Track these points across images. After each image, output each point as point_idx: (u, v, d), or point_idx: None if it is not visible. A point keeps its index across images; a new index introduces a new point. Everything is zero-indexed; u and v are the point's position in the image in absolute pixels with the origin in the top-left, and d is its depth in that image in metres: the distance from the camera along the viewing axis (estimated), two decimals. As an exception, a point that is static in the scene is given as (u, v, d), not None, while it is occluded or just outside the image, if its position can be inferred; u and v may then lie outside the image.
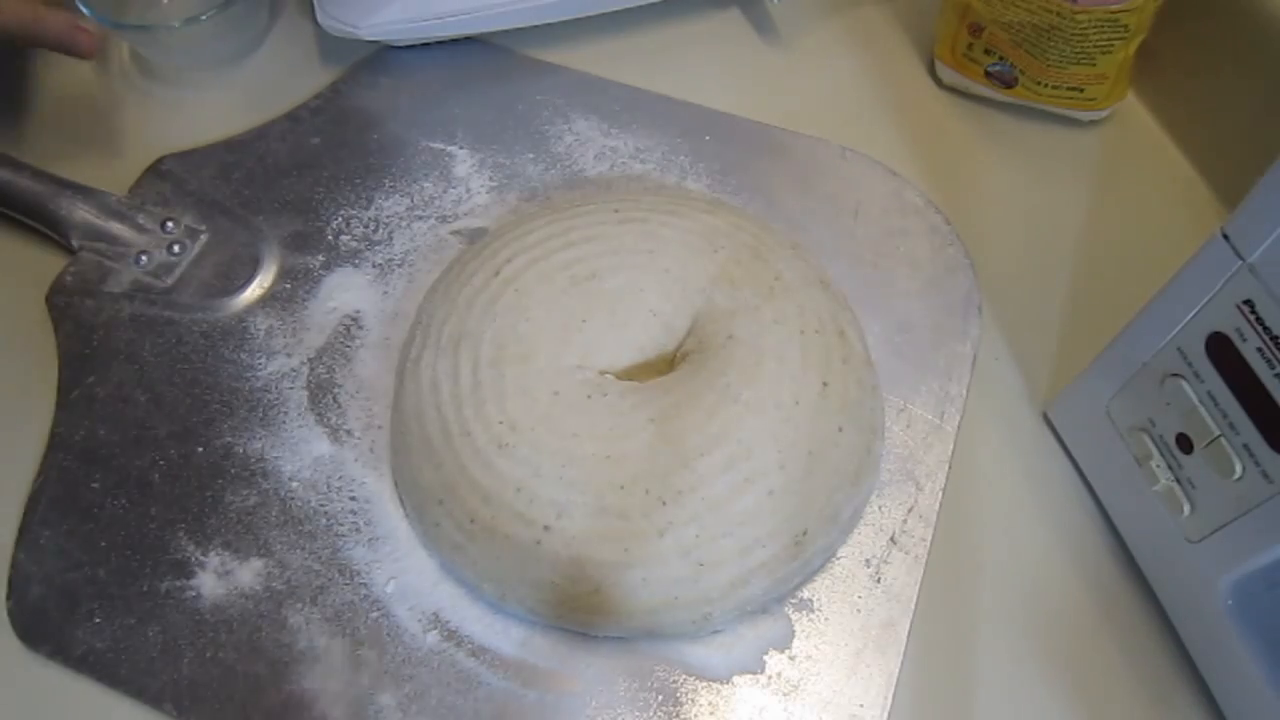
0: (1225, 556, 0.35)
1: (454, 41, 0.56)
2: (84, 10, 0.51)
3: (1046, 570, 0.42)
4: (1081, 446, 0.43)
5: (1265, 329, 0.32)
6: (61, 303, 0.46)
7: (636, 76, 0.54)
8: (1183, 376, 0.35)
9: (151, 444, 0.43)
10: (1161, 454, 0.37)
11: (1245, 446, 0.33)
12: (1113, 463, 0.40)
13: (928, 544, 0.41)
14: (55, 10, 0.47)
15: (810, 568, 0.40)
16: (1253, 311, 0.32)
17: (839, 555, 0.40)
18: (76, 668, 0.38)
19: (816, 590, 0.40)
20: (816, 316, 0.42)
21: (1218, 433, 0.34)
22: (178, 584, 0.40)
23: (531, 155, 0.51)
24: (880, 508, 0.41)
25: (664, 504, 0.37)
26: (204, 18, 0.51)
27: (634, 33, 0.57)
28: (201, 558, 0.40)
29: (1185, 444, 0.36)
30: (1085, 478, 0.43)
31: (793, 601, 0.40)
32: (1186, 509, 0.36)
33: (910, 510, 0.42)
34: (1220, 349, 0.34)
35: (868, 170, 0.51)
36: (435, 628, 0.39)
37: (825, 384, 0.40)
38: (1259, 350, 0.32)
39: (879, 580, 0.40)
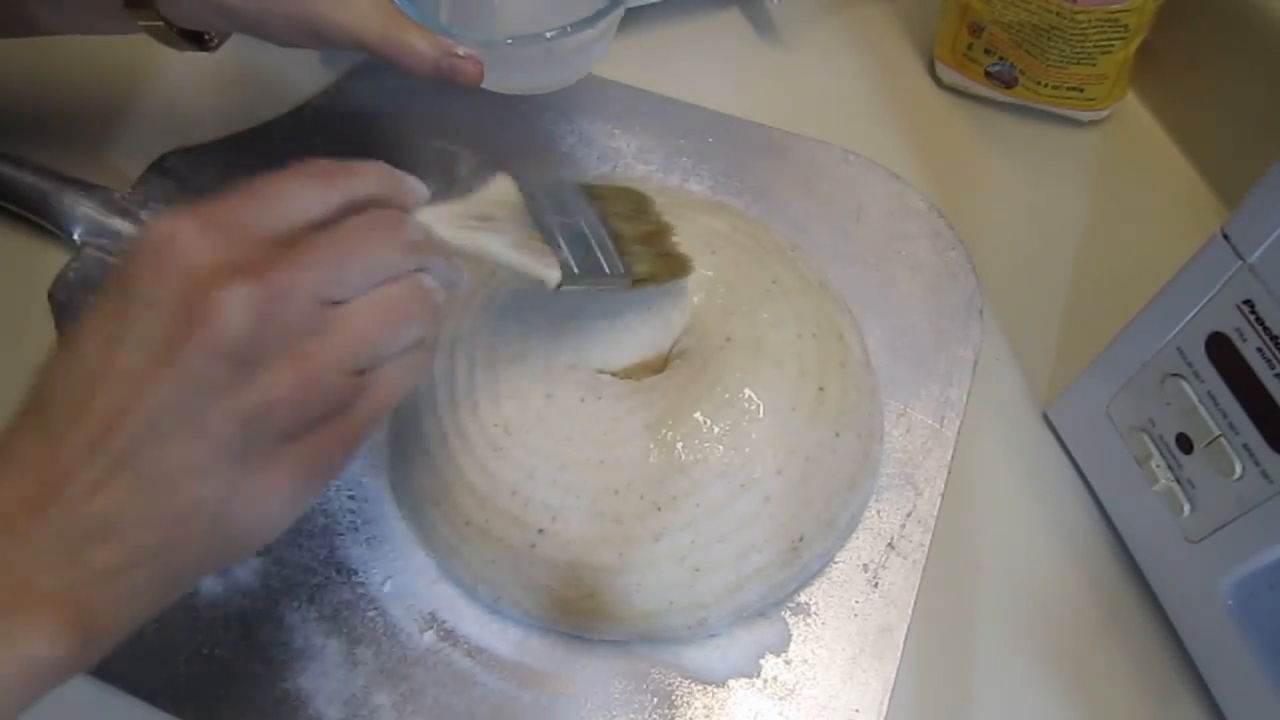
0: (1225, 556, 0.35)
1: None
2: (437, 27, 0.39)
3: (1046, 571, 0.41)
4: (1081, 447, 0.43)
5: (1265, 329, 0.31)
6: (64, 299, 0.46)
7: (638, 77, 0.54)
8: (1183, 376, 0.35)
9: (150, 442, 0.43)
10: (1161, 454, 0.37)
11: (1245, 446, 0.33)
12: (1113, 463, 0.40)
13: (926, 549, 0.41)
14: (417, 29, 0.38)
15: (807, 573, 0.39)
16: (1253, 311, 0.32)
17: (836, 560, 0.40)
18: (74, 665, 0.38)
19: (813, 594, 0.40)
20: (815, 320, 0.42)
21: (1218, 433, 0.34)
22: (175, 582, 0.40)
23: (534, 155, 0.51)
24: (879, 512, 0.41)
25: (659, 509, 0.37)
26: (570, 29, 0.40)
27: (635, 33, 0.57)
28: (199, 556, 0.40)
29: (1185, 444, 0.36)
30: (1085, 478, 0.43)
31: (789, 605, 0.39)
32: (1186, 509, 0.36)
33: (909, 515, 0.41)
34: (1220, 349, 0.33)
35: (869, 173, 0.51)
36: (432, 627, 0.39)
37: (822, 389, 0.40)
38: (1259, 350, 0.32)
39: (876, 585, 0.40)
